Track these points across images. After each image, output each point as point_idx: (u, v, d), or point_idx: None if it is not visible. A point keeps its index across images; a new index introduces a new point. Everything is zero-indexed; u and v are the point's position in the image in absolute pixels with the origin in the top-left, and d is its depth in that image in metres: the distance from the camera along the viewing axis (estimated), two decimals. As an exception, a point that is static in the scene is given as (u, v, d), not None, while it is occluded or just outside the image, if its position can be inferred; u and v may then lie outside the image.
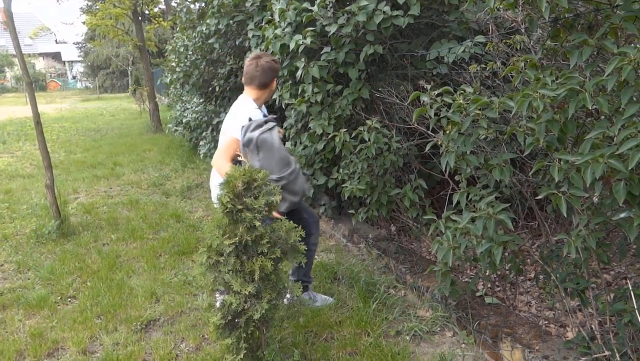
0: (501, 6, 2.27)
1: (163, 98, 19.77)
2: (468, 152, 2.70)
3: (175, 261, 4.61)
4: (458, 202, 2.77)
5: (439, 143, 2.78)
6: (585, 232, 2.17)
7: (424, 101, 2.86)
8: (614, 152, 1.83)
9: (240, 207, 2.60)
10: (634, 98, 1.86)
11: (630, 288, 2.25)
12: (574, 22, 2.20)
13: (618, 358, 2.34)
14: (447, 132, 2.74)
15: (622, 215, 2.10)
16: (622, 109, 1.86)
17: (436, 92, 2.82)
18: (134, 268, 4.49)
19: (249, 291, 2.58)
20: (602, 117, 2.11)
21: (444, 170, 2.74)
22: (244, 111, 3.19)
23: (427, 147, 2.97)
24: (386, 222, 4.61)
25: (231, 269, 2.64)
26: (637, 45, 2.04)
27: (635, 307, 2.16)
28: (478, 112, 2.54)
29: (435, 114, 2.81)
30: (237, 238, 2.59)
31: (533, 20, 2.28)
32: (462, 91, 2.73)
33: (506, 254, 2.88)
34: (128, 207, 6.57)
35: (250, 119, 3.08)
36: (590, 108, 1.93)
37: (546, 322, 3.04)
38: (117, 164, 9.49)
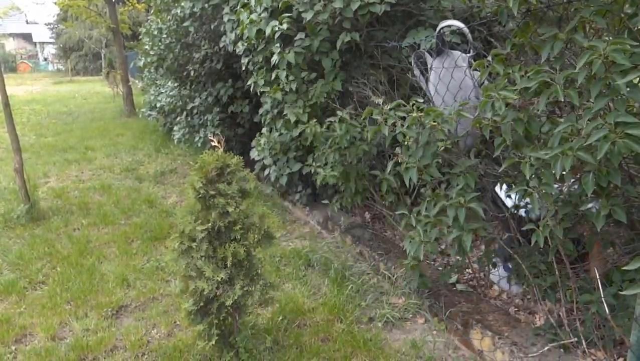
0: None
1: (137, 82, 19.44)
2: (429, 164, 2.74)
3: (148, 247, 4.57)
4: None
5: (399, 160, 2.80)
6: (552, 222, 2.21)
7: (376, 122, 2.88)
8: (583, 144, 1.87)
9: (213, 192, 2.59)
10: (603, 92, 1.89)
11: (597, 277, 2.31)
12: (544, 15, 2.22)
13: (584, 345, 2.41)
14: (406, 143, 2.76)
15: (590, 205, 2.15)
16: (591, 102, 1.89)
17: (389, 107, 2.84)
18: (105, 254, 4.44)
19: (222, 278, 2.58)
20: (565, 114, 2.15)
21: (407, 185, 2.76)
22: None
23: (389, 167, 3.00)
24: (361, 210, 4.64)
25: (203, 255, 2.63)
26: (607, 39, 2.08)
27: (602, 296, 2.22)
28: (434, 123, 2.56)
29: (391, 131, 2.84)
30: (209, 224, 2.58)
31: (503, 12, 2.29)
32: (414, 102, 2.74)
33: (478, 244, 2.93)
34: (100, 192, 6.48)
35: None
36: (561, 99, 1.96)
37: (516, 309, 3.10)
38: (89, 148, 9.32)
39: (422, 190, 2.90)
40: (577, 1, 2.11)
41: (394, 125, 2.87)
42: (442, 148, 2.58)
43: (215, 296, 2.63)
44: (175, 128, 8.16)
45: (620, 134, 1.77)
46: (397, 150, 2.89)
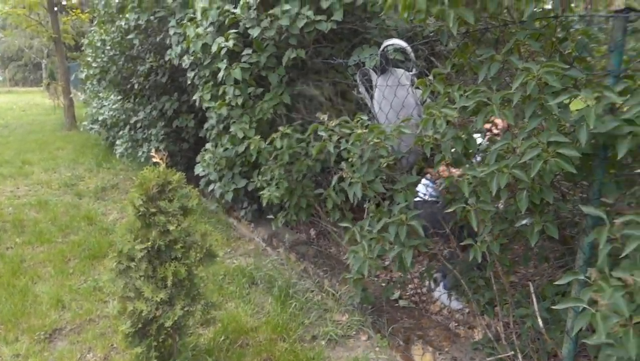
0: (415, 21, 2.33)
1: (79, 94, 18.90)
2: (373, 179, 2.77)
3: (85, 266, 4.40)
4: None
5: (344, 175, 2.82)
6: (489, 237, 2.27)
7: (322, 136, 2.91)
8: (518, 162, 1.93)
9: (153, 210, 2.52)
10: (537, 112, 1.96)
11: (532, 291, 2.38)
12: (482, 36, 2.30)
13: (520, 358, 2.47)
14: (350, 160, 2.79)
15: (524, 221, 2.21)
16: (526, 122, 1.95)
17: (334, 123, 2.87)
18: (39, 274, 4.24)
19: (161, 298, 2.50)
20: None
21: (352, 200, 2.78)
22: None
23: (333, 181, 3.01)
24: (306, 226, 4.63)
25: (143, 275, 2.55)
26: (542, 60, 2.16)
27: (537, 311, 2.28)
28: (377, 140, 2.60)
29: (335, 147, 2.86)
30: (149, 243, 2.51)
31: (444, 33, 2.36)
32: (359, 119, 2.77)
33: (421, 259, 2.97)
34: (36, 208, 6.21)
35: None
36: (498, 119, 2.03)
37: (456, 324, 3.15)
38: (26, 162, 8.95)
39: (365, 205, 2.91)
40: (513, 24, 2.19)
41: (338, 141, 2.89)
42: (385, 164, 2.61)
43: (155, 318, 2.55)
44: (118, 142, 7.96)
45: (552, 153, 1.84)
46: (343, 164, 2.91)
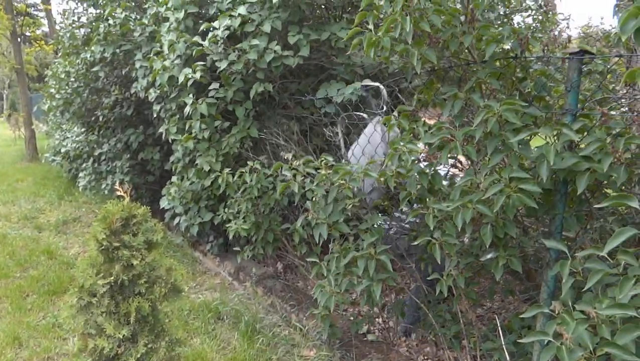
0: (380, 59, 2.38)
1: (41, 125, 18.53)
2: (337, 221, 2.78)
3: (45, 302, 4.24)
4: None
5: (309, 217, 2.82)
6: (455, 272, 2.29)
7: (285, 176, 2.92)
8: (481, 197, 1.96)
9: (117, 244, 2.46)
10: (499, 148, 2.01)
11: (499, 324, 2.40)
12: (446, 74, 2.36)
13: (488, 392, 2.47)
14: (314, 200, 2.79)
15: (489, 255, 2.24)
16: (488, 158, 2.00)
17: (298, 163, 2.88)
18: (-5, 311, 4.07)
19: (124, 335, 2.42)
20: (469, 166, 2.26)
21: (317, 241, 2.78)
22: None
23: (298, 223, 3.02)
24: (273, 260, 4.58)
25: (105, 311, 2.47)
26: (502, 97, 2.23)
27: (503, 344, 2.30)
28: (342, 182, 2.61)
29: (301, 187, 2.87)
30: (112, 278, 2.43)
31: (409, 70, 2.41)
32: (323, 159, 2.79)
33: (390, 294, 2.97)
34: (-7, 243, 5.99)
35: None
36: (461, 155, 2.07)
37: (425, 358, 3.13)
38: (-16, 195, 8.67)
39: (330, 245, 2.91)
40: (475, 64, 2.26)
41: (303, 180, 2.89)
42: (350, 205, 2.62)
43: (117, 355, 2.46)
44: (81, 174, 7.79)
45: (515, 188, 1.88)
46: (308, 203, 2.90)
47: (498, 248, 2.16)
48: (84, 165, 7.86)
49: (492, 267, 2.15)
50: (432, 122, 2.57)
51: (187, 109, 3.98)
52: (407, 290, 3.03)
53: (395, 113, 2.55)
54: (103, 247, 2.45)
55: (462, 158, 2.58)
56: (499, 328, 2.35)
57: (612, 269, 1.67)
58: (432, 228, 2.19)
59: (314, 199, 2.80)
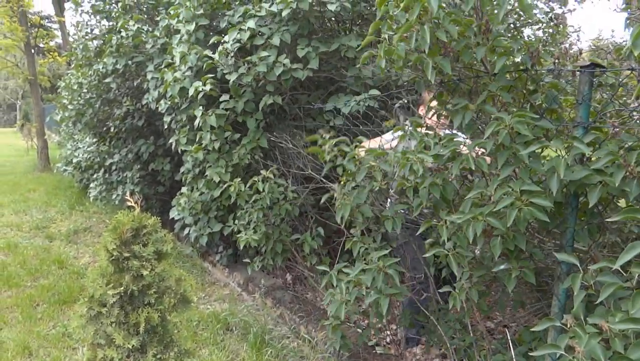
0: (392, 68, 2.38)
1: (54, 135, 18.69)
2: (363, 203, 2.76)
3: (55, 311, 4.26)
4: (351, 252, 2.81)
5: (334, 195, 2.82)
6: (467, 284, 2.27)
7: (320, 146, 2.91)
8: (492, 209, 1.95)
9: (127, 254, 2.47)
10: (510, 160, 2.00)
11: (509, 338, 2.37)
12: (456, 86, 2.35)
13: (499, 406, 2.44)
14: (342, 182, 2.79)
15: (502, 267, 2.22)
16: (499, 170, 1.99)
17: (334, 141, 2.88)
18: (6, 320, 4.08)
19: (133, 345, 2.42)
20: (477, 178, 2.25)
21: (339, 221, 2.78)
22: None
23: (323, 199, 3.01)
24: (282, 271, 4.57)
25: (114, 321, 2.47)
26: (513, 110, 2.22)
27: (514, 357, 2.27)
28: (373, 163, 2.61)
29: (331, 160, 2.86)
30: (122, 288, 2.44)
31: (420, 82, 2.41)
32: (358, 142, 2.79)
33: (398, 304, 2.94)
34: (5, 252, 6.02)
35: None
36: (472, 167, 2.06)
37: (433, 371, 3.11)
38: (-4, 204, 8.75)
39: (351, 231, 2.89)
40: (486, 75, 2.25)
41: (335, 157, 2.88)
42: (377, 188, 2.61)
43: (125, 366, 2.46)
44: (92, 185, 7.85)
45: (526, 202, 1.87)
46: (335, 186, 2.89)
47: (510, 260, 2.14)
48: (95, 175, 7.92)
49: (504, 278, 2.14)
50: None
51: (197, 121, 4.01)
52: (417, 301, 3.01)
53: (408, 123, 2.55)
54: (113, 257, 2.46)
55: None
56: (510, 341, 2.33)
57: (625, 283, 1.65)
58: (445, 240, 2.18)
59: (341, 182, 2.79)
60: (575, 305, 1.80)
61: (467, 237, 2.02)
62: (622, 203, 2.27)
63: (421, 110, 3.25)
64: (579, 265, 1.84)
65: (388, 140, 3.12)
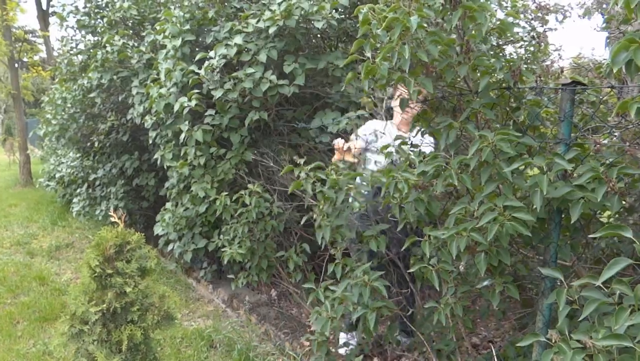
0: (375, 86, 2.40)
1: (36, 150, 18.50)
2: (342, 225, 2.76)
3: (35, 329, 4.17)
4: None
5: (314, 217, 2.81)
6: (452, 300, 2.28)
7: (298, 175, 2.90)
8: (475, 225, 1.97)
9: (110, 271, 2.44)
10: (493, 177, 2.02)
11: (494, 353, 2.37)
12: (440, 104, 2.38)
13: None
14: (320, 206, 2.78)
15: (485, 283, 2.23)
16: (482, 186, 2.01)
17: (309, 168, 2.87)
18: (-16, 338, 4.00)
19: (115, 364, 2.38)
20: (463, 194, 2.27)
21: (319, 243, 2.77)
22: None
23: (303, 220, 3.00)
24: (267, 287, 4.54)
25: (96, 339, 2.43)
26: (497, 126, 2.25)
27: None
28: (351, 186, 2.62)
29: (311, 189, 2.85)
30: (104, 305, 2.41)
31: (404, 101, 2.43)
32: (334, 166, 2.79)
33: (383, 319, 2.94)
34: (-16, 268, 5.91)
35: None
36: (456, 184, 2.07)
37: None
38: (-24, 220, 8.60)
39: (324, 267, 2.88)
40: (469, 94, 2.28)
41: (313, 184, 2.87)
42: (357, 210, 2.61)
43: (107, 385, 2.42)
44: (75, 200, 7.77)
45: (508, 217, 1.89)
46: (315, 209, 2.87)
47: (494, 275, 2.16)
48: (79, 190, 7.84)
49: (488, 294, 2.15)
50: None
51: (183, 136, 3.99)
52: (404, 317, 3.01)
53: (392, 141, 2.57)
54: (96, 274, 2.43)
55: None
56: (495, 356, 2.33)
57: (608, 298, 1.67)
58: (428, 256, 2.18)
59: (320, 206, 2.79)
60: (560, 320, 1.81)
61: (451, 252, 2.03)
62: (604, 217, 2.31)
63: (394, 103, 3.29)
64: (562, 279, 1.85)
65: (365, 134, 3.14)
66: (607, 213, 2.27)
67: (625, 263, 1.60)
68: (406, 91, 2.23)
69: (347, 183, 2.61)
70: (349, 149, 3.04)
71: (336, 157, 3.12)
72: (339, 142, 3.08)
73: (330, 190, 2.69)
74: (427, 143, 2.70)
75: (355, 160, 3.11)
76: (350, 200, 2.75)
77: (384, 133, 3.10)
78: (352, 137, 3.18)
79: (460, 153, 2.29)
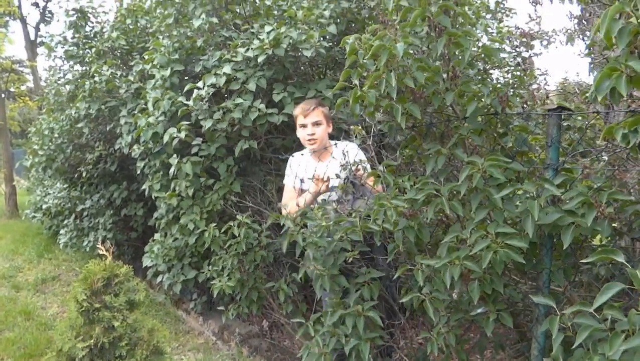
0: (364, 113, 2.43)
1: (22, 181, 18.36)
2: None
3: (20, 366, 4.10)
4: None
5: (310, 267, 2.75)
6: (445, 329, 2.26)
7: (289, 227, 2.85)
8: (468, 253, 1.97)
9: (98, 305, 2.41)
10: (483, 203, 2.03)
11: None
12: (428, 130, 2.40)
13: None
14: (310, 255, 2.73)
15: (479, 310, 2.23)
16: (473, 213, 2.02)
17: (297, 215, 2.82)
18: (-34, 377, 3.91)
19: (102, 402, 2.34)
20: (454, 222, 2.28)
21: (318, 295, 2.73)
22: None
23: (283, 248, 2.93)
24: (258, 318, 4.49)
25: (84, 377, 2.39)
26: (485, 151, 2.27)
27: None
28: (342, 234, 2.56)
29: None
30: (92, 341, 2.37)
31: (392, 128, 2.46)
32: (322, 209, 2.74)
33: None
34: (-32, 304, 5.81)
35: None
36: (447, 212, 2.08)
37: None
38: (-40, 253, 8.49)
39: (315, 301, 2.86)
40: (457, 120, 2.31)
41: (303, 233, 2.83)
42: (350, 259, 2.58)
43: (94, 424, 2.37)
44: (62, 231, 7.70)
45: (501, 244, 1.89)
46: (308, 252, 2.81)
47: (487, 303, 2.15)
48: (66, 221, 7.77)
49: (482, 322, 2.14)
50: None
51: (172, 170, 3.98)
52: (397, 348, 2.98)
53: (381, 167, 2.56)
54: (83, 308, 2.40)
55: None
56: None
57: (601, 324, 1.67)
58: (422, 285, 2.18)
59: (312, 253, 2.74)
60: (554, 348, 1.81)
61: (445, 282, 2.03)
62: (596, 241, 2.32)
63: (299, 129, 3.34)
64: (555, 306, 1.85)
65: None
66: (598, 236, 2.28)
67: (617, 288, 1.61)
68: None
69: (338, 229, 2.56)
70: (328, 179, 3.02)
71: (312, 188, 3.10)
72: (319, 173, 3.06)
73: (322, 238, 2.64)
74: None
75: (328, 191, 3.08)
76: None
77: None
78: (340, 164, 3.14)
79: (446, 180, 2.30)
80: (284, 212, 3.31)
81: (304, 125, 3.29)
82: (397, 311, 3.00)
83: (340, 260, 2.63)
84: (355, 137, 2.78)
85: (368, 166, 2.83)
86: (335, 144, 3.39)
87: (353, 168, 2.84)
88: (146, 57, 4.67)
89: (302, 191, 3.29)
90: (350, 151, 2.99)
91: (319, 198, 3.13)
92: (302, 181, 3.32)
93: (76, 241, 7.26)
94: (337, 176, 2.85)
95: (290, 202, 3.31)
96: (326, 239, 2.63)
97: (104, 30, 6.35)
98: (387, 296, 3.02)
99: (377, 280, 2.67)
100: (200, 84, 3.87)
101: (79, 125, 6.02)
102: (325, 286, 2.65)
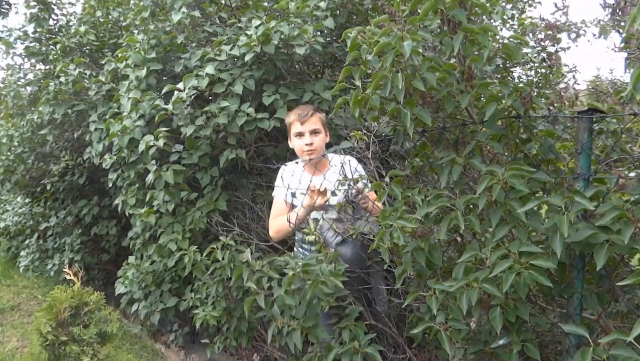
0: (367, 117, 2.43)
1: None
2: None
3: (-27, 411, 4.06)
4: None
5: (279, 325, 2.75)
6: (462, 363, 2.25)
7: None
8: (488, 275, 1.96)
9: (64, 338, 2.41)
10: (504, 219, 2.03)
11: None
12: (440, 136, 2.41)
13: None
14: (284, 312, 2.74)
15: (501, 342, 2.22)
16: (493, 230, 2.01)
17: (262, 263, 2.82)
18: None
19: None
20: (471, 240, 2.28)
21: (292, 351, 2.73)
22: None
23: (269, 334, 2.93)
24: (248, 351, 4.47)
25: (47, 421, 2.38)
26: (506, 159, 2.27)
27: None
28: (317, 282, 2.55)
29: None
30: (57, 381, 2.37)
31: (399, 133, 2.46)
32: (289, 256, 2.73)
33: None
34: None
35: None
36: (462, 227, 2.08)
37: None
38: None
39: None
40: (473, 124, 2.32)
41: (270, 287, 2.82)
42: (327, 308, 2.58)
43: None
44: (23, 253, 7.68)
45: (525, 265, 1.89)
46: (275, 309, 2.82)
47: (510, 333, 2.14)
48: (27, 241, 7.75)
49: (505, 355, 2.13)
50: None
51: (150, 177, 3.95)
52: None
53: (387, 179, 2.56)
54: (48, 342, 2.40)
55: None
56: None
57: (640, 356, 1.66)
58: (435, 313, 2.17)
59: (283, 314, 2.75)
60: (588, 383, 1.80)
61: (461, 308, 2.02)
62: (634, 261, 2.32)
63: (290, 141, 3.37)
64: (588, 336, 1.85)
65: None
66: (637, 256, 2.28)
67: (659, 315, 1.60)
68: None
69: (317, 272, 2.56)
70: (324, 192, 3.02)
71: (307, 201, 3.10)
72: (315, 184, 3.04)
73: (294, 298, 2.63)
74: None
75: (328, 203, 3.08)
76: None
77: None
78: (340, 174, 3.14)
79: (462, 192, 2.30)
80: (270, 231, 3.31)
81: (300, 134, 3.27)
82: (402, 344, 2.99)
83: (316, 310, 2.63)
84: (356, 143, 2.79)
85: (369, 184, 2.83)
86: (333, 156, 3.39)
87: (353, 188, 2.84)
88: (119, 54, 4.68)
89: (293, 207, 3.27)
90: (350, 165, 3.00)
91: (312, 215, 3.12)
92: (293, 195, 3.30)
93: (39, 264, 7.23)
94: (334, 194, 2.86)
95: (279, 218, 3.29)
96: (293, 298, 2.63)
97: (71, 24, 6.38)
98: (390, 325, 3.02)
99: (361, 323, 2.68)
100: (180, 85, 3.87)
101: (42, 131, 6.02)
102: (298, 344, 2.63)
